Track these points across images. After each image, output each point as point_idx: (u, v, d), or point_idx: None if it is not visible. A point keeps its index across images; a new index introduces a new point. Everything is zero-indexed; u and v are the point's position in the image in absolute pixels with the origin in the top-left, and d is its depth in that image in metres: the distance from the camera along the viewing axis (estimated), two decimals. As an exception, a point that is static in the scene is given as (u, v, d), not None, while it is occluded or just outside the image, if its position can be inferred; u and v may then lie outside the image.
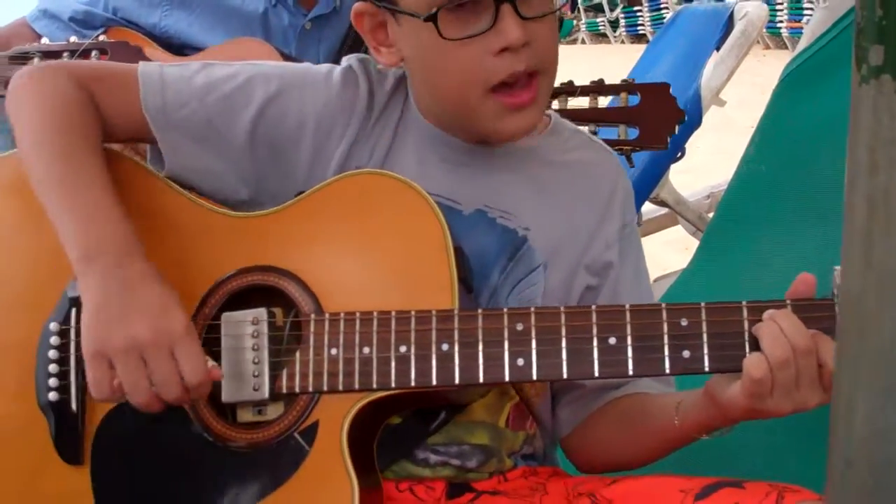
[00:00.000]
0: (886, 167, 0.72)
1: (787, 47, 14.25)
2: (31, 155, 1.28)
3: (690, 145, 2.87)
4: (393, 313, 1.20)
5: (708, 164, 6.57)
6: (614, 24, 20.87)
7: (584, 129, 1.64)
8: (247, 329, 1.25)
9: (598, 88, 2.03)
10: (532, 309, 1.19)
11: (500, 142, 1.34)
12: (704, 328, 1.15)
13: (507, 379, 1.18)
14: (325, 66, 1.41)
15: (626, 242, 1.41)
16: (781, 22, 14.72)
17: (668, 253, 4.41)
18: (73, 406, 1.28)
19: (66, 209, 1.23)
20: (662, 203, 3.12)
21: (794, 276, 1.84)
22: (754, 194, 2.08)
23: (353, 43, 2.35)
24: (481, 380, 1.18)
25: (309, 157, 1.34)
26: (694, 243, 3.09)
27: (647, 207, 3.32)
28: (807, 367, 1.10)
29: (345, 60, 1.40)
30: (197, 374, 1.16)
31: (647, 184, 2.83)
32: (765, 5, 2.85)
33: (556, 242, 1.36)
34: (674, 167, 2.98)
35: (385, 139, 1.36)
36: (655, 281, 3.02)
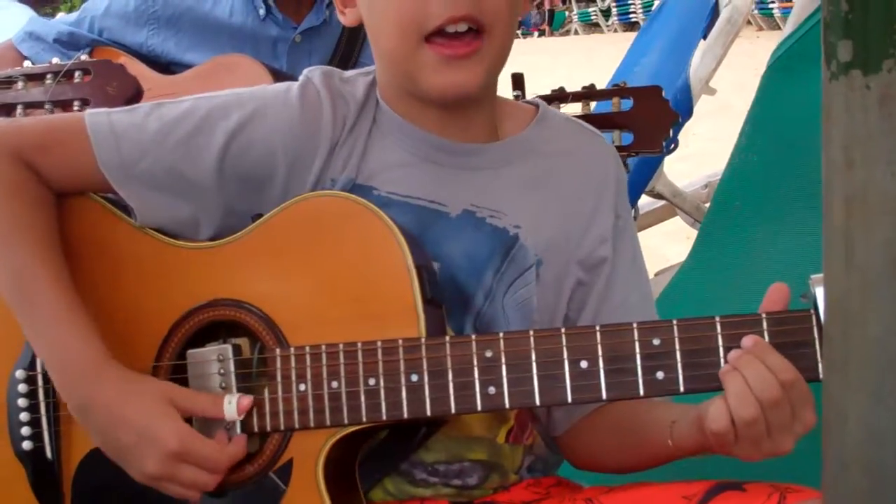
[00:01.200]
0: (862, 163, 0.71)
1: (780, 28, 14.21)
2: None
3: (687, 132, 2.84)
4: (359, 345, 1.17)
5: (705, 150, 6.54)
6: (606, 14, 20.85)
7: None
8: (213, 367, 1.24)
9: (590, 94, 2.02)
10: (501, 334, 1.16)
11: (440, 99, 1.27)
12: (677, 346, 1.11)
13: (479, 409, 1.16)
14: (281, 86, 1.35)
15: (621, 236, 1.36)
16: (773, 2, 14.70)
17: (669, 244, 4.38)
18: (48, 453, 1.27)
19: (28, 335, 1.25)
20: (659, 196, 3.10)
21: (790, 266, 1.84)
22: (748, 185, 2.06)
23: (343, 55, 2.34)
24: (453, 410, 1.16)
25: (284, 180, 1.30)
26: (695, 233, 3.07)
27: (645, 200, 3.29)
28: (777, 417, 1.07)
29: (306, 73, 1.35)
30: (217, 464, 1.18)
31: (643, 177, 2.81)
32: (749, -8, 2.83)
33: (548, 238, 1.32)
34: (670, 156, 2.96)
35: (358, 148, 1.32)
36: (655, 275, 2.99)
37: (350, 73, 1.37)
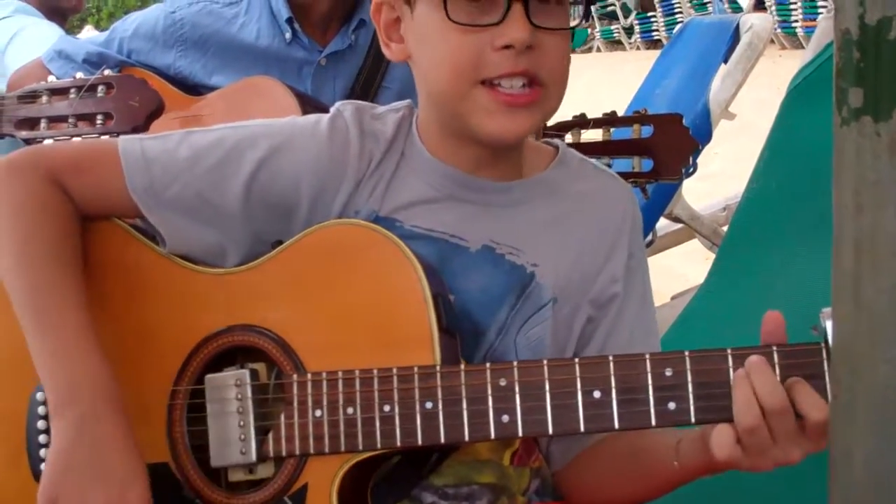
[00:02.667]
0: (872, 208, 0.72)
1: (803, 47, 14.16)
2: (6, 278, 1.29)
3: (708, 151, 2.84)
4: (375, 371, 1.19)
5: (727, 170, 6.54)
6: (629, 31, 20.84)
7: (594, 160, 1.63)
8: (230, 392, 1.26)
9: (610, 120, 2.02)
10: (515, 363, 1.18)
11: (489, 143, 1.28)
12: (689, 378, 1.13)
13: (492, 437, 1.17)
14: (311, 118, 1.37)
15: (632, 273, 1.38)
16: (796, 21, 14.65)
17: (689, 264, 4.37)
18: None
19: (38, 349, 1.24)
20: (677, 219, 3.10)
21: (806, 294, 1.84)
22: (765, 212, 2.06)
23: (367, 79, 2.36)
24: (467, 438, 1.18)
25: (308, 211, 1.32)
26: (713, 254, 3.07)
27: (663, 222, 3.30)
28: (781, 425, 1.08)
29: (337, 106, 1.38)
30: None
31: (661, 202, 2.82)
32: (770, 17, 2.83)
33: (564, 278, 1.34)
34: (692, 175, 2.96)
35: (384, 182, 1.34)
36: (672, 299, 3.00)
37: (381, 109, 1.40)
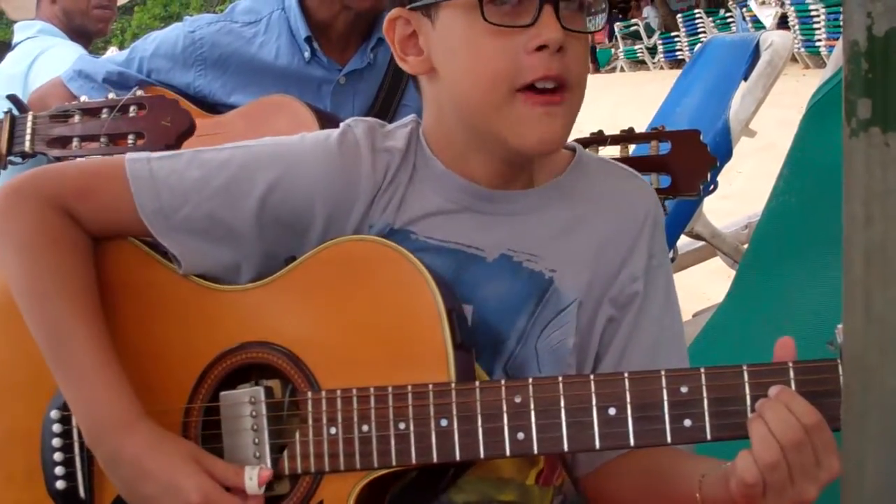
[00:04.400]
0: (881, 219, 0.72)
1: (826, 65, 14.10)
2: (23, 314, 1.30)
3: (731, 170, 2.83)
4: (390, 389, 1.19)
5: (749, 188, 6.51)
6: (652, 51, 20.86)
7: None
8: (245, 410, 1.26)
9: (628, 137, 2.01)
10: (530, 380, 1.18)
11: (523, 152, 1.28)
12: (705, 394, 1.13)
13: (507, 454, 1.17)
14: (321, 135, 1.36)
15: (654, 275, 1.37)
16: (820, 41, 14.62)
17: (710, 282, 4.35)
18: (82, 492, 1.30)
19: (63, 386, 1.27)
20: (698, 237, 3.09)
21: (825, 311, 1.83)
22: (785, 229, 2.06)
23: (387, 97, 2.37)
24: (482, 456, 1.17)
25: (322, 228, 1.32)
26: (734, 272, 3.05)
27: (685, 240, 3.28)
28: (799, 460, 1.07)
29: (348, 122, 1.37)
30: None
31: (681, 219, 2.81)
32: (789, 34, 2.82)
33: (583, 281, 1.33)
34: (712, 195, 2.95)
35: (398, 195, 1.34)
36: (694, 316, 2.99)
37: (390, 126, 1.39)
